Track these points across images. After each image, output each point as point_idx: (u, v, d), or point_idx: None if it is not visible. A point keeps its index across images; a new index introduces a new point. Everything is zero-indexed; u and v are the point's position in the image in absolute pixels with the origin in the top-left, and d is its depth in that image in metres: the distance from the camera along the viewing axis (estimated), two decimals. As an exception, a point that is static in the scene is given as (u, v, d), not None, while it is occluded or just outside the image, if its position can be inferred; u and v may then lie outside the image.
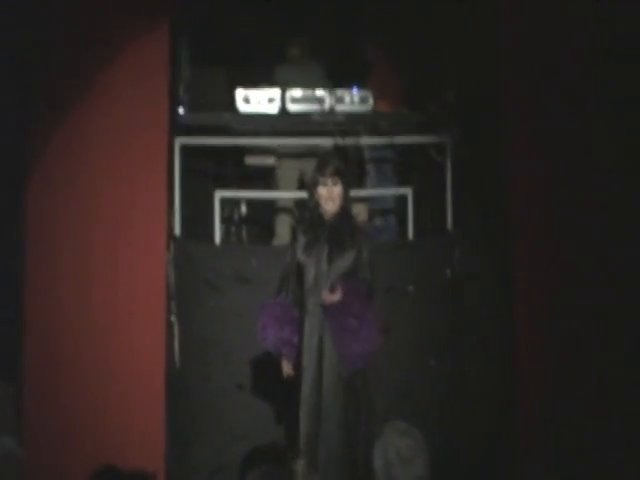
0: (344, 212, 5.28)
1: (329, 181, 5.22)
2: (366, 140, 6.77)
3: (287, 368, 5.24)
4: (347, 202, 5.29)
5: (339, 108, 6.62)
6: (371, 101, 6.65)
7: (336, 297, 5.04)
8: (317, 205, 5.26)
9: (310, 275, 5.21)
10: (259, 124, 6.69)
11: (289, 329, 5.20)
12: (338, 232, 5.22)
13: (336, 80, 6.98)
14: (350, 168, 6.21)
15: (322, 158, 5.53)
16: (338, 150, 6.50)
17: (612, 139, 5.69)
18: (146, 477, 3.84)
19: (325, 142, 6.67)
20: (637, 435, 5.30)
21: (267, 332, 5.22)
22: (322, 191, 5.23)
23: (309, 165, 6.91)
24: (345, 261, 5.18)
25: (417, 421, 3.68)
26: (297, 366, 5.21)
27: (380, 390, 5.36)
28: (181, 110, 6.50)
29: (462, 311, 6.10)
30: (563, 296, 5.60)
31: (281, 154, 7.01)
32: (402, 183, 6.88)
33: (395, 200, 6.95)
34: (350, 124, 6.65)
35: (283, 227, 6.98)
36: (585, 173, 5.71)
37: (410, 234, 6.58)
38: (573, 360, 5.54)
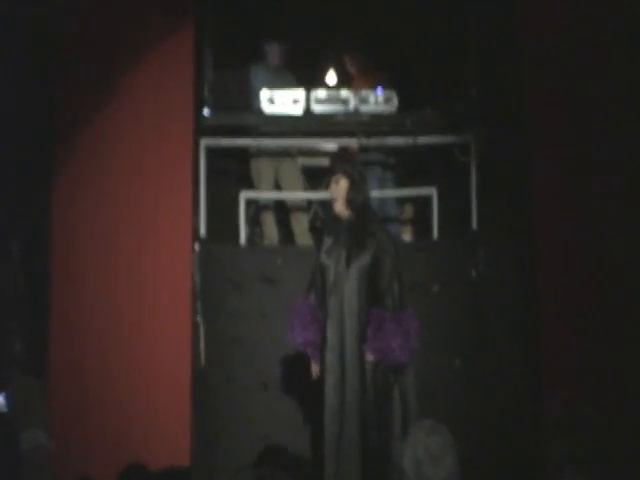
0: (360, 213, 5.31)
1: (333, 182, 5.29)
2: (390, 140, 6.74)
3: (315, 369, 5.27)
4: (356, 201, 5.30)
5: (363, 109, 6.61)
6: (395, 101, 6.63)
7: (372, 357, 5.11)
8: (332, 208, 5.36)
9: (330, 276, 5.25)
10: (283, 125, 6.68)
11: (312, 329, 5.24)
12: (355, 233, 5.26)
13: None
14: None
15: (329, 162, 5.61)
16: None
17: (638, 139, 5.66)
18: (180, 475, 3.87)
19: (350, 143, 6.67)
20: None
21: (294, 334, 5.28)
22: (331, 193, 5.30)
23: (284, 164, 6.94)
24: (362, 261, 5.20)
25: (442, 420, 3.66)
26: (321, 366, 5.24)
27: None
28: (206, 111, 6.51)
29: (487, 311, 6.06)
30: (588, 295, 5.59)
31: (257, 153, 7.00)
32: (426, 183, 6.85)
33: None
34: (374, 124, 6.63)
35: (270, 226, 7.00)
36: (611, 173, 5.68)
37: (435, 234, 6.58)
38: (600, 360, 5.52)
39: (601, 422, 5.34)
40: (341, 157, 5.54)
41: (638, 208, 5.62)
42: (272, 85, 6.84)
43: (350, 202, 5.29)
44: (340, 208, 5.31)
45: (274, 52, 7.11)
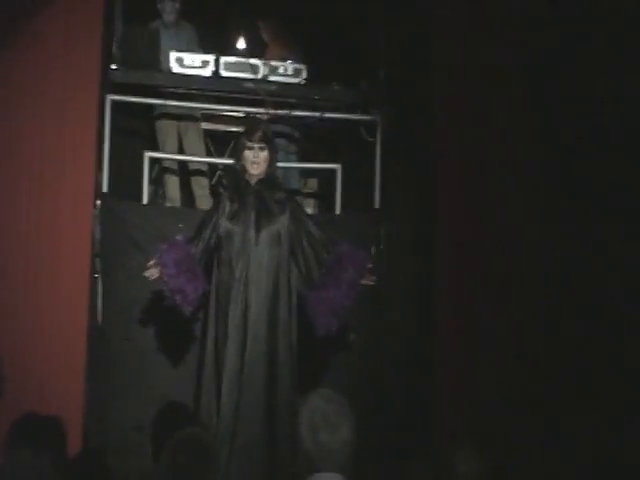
0: (269, 178, 5.34)
1: (256, 145, 5.29)
2: (297, 113, 6.77)
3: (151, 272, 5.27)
4: (272, 169, 5.36)
5: (272, 78, 6.63)
6: (304, 74, 6.69)
7: (372, 280, 5.32)
8: (243, 170, 5.31)
9: (237, 242, 5.25)
10: (191, 85, 6.63)
11: (185, 278, 5.21)
12: (264, 198, 5.29)
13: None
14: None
15: (251, 123, 5.58)
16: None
17: (540, 124, 5.79)
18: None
19: (256, 111, 6.68)
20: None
21: (166, 277, 5.22)
22: (248, 155, 5.30)
23: (188, 127, 6.91)
24: (274, 226, 5.24)
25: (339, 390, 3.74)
26: (194, 315, 5.37)
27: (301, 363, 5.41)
28: (114, 67, 6.41)
29: (384, 287, 6.17)
30: (487, 275, 5.75)
31: (161, 114, 6.97)
32: (330, 158, 6.92)
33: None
34: (282, 95, 6.65)
35: (173, 188, 7.00)
36: (513, 156, 5.83)
37: (337, 210, 6.66)
38: (495, 330, 5.69)
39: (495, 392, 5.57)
40: (264, 125, 5.52)
41: (540, 193, 5.77)
42: (172, 43, 6.79)
43: (269, 168, 5.31)
44: (258, 171, 5.30)
45: (166, 9, 7.07)
